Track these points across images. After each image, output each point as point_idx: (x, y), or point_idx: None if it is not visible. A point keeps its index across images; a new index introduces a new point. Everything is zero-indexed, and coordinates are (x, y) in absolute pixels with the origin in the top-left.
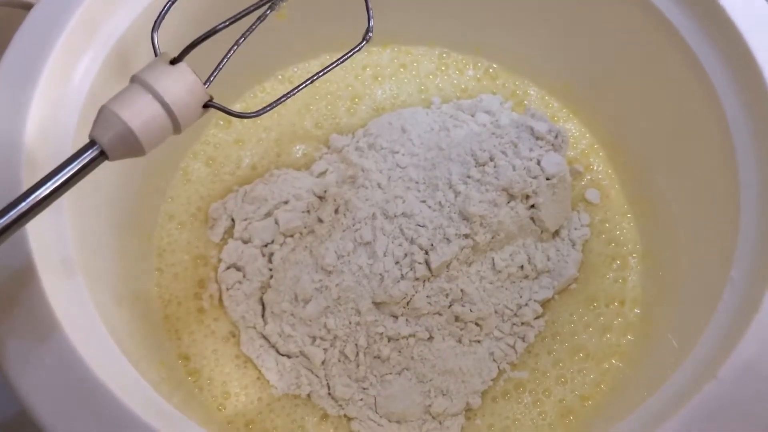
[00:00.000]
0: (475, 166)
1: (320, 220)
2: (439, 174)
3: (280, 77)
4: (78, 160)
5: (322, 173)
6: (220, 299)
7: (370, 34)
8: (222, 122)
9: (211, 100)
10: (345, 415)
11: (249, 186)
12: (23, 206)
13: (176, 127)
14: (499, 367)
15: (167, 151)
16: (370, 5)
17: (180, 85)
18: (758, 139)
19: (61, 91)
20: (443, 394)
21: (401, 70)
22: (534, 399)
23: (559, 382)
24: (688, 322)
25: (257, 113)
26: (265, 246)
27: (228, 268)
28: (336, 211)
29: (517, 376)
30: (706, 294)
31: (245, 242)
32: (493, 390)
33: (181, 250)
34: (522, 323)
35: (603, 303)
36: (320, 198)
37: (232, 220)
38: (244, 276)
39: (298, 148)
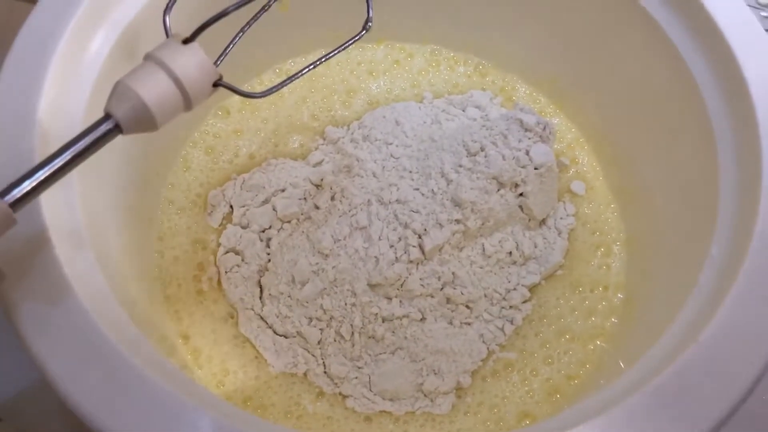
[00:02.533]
0: (467, 156)
1: (317, 207)
2: (432, 164)
3: (277, 71)
4: (93, 133)
5: (318, 163)
6: (219, 282)
7: (370, 24)
8: (220, 113)
9: (220, 79)
10: (340, 393)
11: (247, 174)
12: (40, 175)
13: (187, 104)
14: (488, 348)
15: (168, 139)
16: None
17: (192, 63)
18: (737, 129)
19: (72, 73)
20: (435, 373)
21: (395, 66)
22: (522, 378)
23: (546, 362)
24: (670, 299)
25: (264, 93)
26: (263, 231)
27: (227, 252)
28: (332, 198)
29: (505, 356)
30: (687, 273)
31: (244, 227)
32: (483, 370)
33: (181, 234)
34: (510, 306)
35: (588, 288)
36: (317, 186)
37: (231, 206)
38: (242, 260)
39: (294, 138)
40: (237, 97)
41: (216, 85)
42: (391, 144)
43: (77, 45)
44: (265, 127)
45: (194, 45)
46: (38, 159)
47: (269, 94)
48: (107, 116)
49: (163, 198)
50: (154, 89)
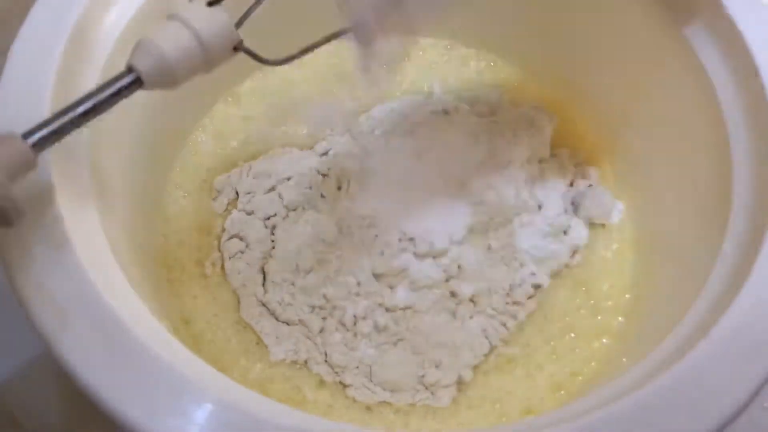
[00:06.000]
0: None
1: (323, 196)
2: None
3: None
4: (115, 84)
5: (326, 153)
6: (222, 267)
7: None
8: (231, 98)
9: (241, 43)
10: (341, 382)
11: (254, 162)
12: (63, 119)
13: (208, 63)
14: (491, 343)
15: (177, 122)
16: None
17: (215, 24)
18: (751, 127)
19: (86, 48)
20: (436, 366)
21: (406, 59)
22: (525, 373)
23: (550, 358)
24: (679, 297)
25: (283, 61)
26: (268, 219)
27: (231, 237)
28: (338, 188)
29: (509, 351)
30: (697, 271)
31: (248, 214)
32: (485, 364)
33: (186, 218)
34: (515, 303)
35: (595, 286)
36: (323, 175)
37: (236, 192)
38: (246, 246)
39: (303, 127)
40: (247, 84)
41: (237, 49)
42: (398, 136)
43: (92, 20)
44: (274, 114)
45: (218, 8)
46: None
47: (288, 62)
48: (129, 69)
49: (169, 181)
50: (176, 45)
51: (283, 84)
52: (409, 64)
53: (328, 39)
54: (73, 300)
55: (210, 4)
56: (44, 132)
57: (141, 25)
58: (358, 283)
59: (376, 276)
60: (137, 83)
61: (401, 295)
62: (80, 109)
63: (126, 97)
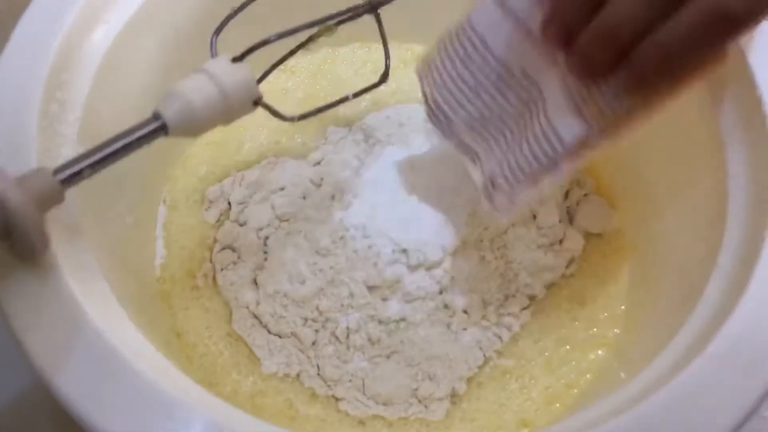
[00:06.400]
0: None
1: (316, 206)
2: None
3: (282, 68)
4: (141, 129)
5: (319, 162)
6: (214, 278)
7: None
8: None
9: (260, 99)
10: (333, 395)
11: (247, 171)
12: (89, 160)
13: (228, 115)
14: (485, 355)
15: None
16: (388, 50)
17: (239, 80)
18: (747, 139)
19: (74, 63)
20: (430, 379)
21: (401, 66)
22: (520, 386)
23: (545, 371)
24: (675, 310)
25: (300, 117)
26: (261, 229)
27: (223, 249)
28: (332, 198)
29: (503, 363)
30: (693, 283)
31: (241, 225)
32: (479, 376)
33: (177, 230)
34: (509, 314)
35: (590, 298)
36: (317, 185)
37: (229, 203)
38: (238, 257)
39: (296, 137)
40: None
41: (256, 103)
42: (392, 145)
43: (81, 33)
44: (267, 123)
45: (243, 64)
46: (36, 152)
47: (305, 118)
48: (156, 116)
49: (161, 192)
50: (203, 98)
51: (276, 92)
52: (403, 71)
53: (338, 102)
54: (60, 321)
55: (234, 60)
56: (73, 169)
57: (130, 38)
58: (351, 295)
59: (369, 288)
60: (162, 130)
61: (394, 307)
62: (106, 151)
63: (149, 142)
